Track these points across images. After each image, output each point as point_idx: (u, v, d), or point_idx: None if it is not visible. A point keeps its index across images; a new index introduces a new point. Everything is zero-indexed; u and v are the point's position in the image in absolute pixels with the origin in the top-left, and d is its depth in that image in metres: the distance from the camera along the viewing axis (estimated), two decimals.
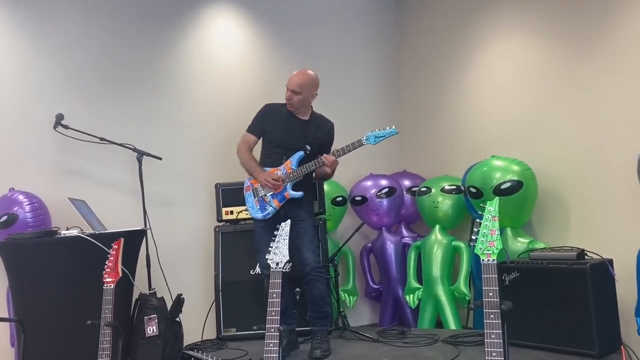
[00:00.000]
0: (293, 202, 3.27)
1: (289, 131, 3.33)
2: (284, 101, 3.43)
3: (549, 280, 2.93)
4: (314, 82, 3.34)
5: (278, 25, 4.54)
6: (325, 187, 4.05)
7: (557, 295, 2.88)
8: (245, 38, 4.46)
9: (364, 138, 3.13)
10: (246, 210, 3.46)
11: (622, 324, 2.94)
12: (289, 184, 3.26)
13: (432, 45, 4.64)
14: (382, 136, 3.12)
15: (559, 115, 3.59)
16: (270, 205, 3.28)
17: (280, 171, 3.27)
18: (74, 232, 3.09)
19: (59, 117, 3.58)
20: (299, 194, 3.24)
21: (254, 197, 3.35)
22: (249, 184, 3.39)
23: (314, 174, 3.38)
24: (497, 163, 3.54)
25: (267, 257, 2.54)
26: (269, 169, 3.31)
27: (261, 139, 3.43)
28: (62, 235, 3.08)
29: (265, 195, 3.29)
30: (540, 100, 3.72)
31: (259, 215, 3.31)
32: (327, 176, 3.40)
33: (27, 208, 3.35)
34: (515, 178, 3.43)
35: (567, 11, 3.52)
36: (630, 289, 2.90)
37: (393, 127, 3.14)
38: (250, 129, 3.42)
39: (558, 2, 3.58)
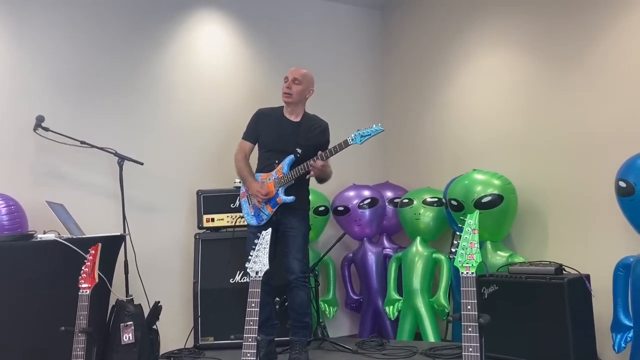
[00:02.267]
0: (286, 208, 3.24)
1: (280, 134, 3.31)
2: (270, 106, 3.43)
3: (528, 295, 2.95)
4: (312, 79, 3.38)
5: (264, 33, 4.55)
6: None
7: (535, 309, 2.91)
8: (231, 45, 4.45)
9: (350, 138, 3.09)
10: (241, 217, 3.46)
11: (598, 339, 2.97)
12: (280, 189, 3.23)
13: (416, 58, 4.69)
14: (368, 134, 3.08)
15: (540, 131, 3.64)
16: (264, 212, 3.26)
17: (272, 177, 3.26)
18: (51, 236, 3.03)
19: (39, 119, 3.52)
20: (291, 198, 3.21)
21: (249, 204, 3.32)
22: (244, 190, 3.36)
23: (312, 178, 3.34)
24: (479, 177, 3.57)
25: (247, 265, 2.52)
26: (261, 175, 3.30)
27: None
28: (39, 239, 3.02)
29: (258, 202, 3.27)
30: (521, 116, 3.77)
31: (254, 222, 3.28)
32: (321, 180, 3.34)
33: (4, 211, 3.28)
34: (496, 192, 3.46)
35: (549, 28, 3.58)
36: (606, 304, 2.93)
37: (379, 124, 3.09)
38: (245, 136, 3.41)
39: (541, 19, 3.64)
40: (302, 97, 3.34)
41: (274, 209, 3.24)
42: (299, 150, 3.23)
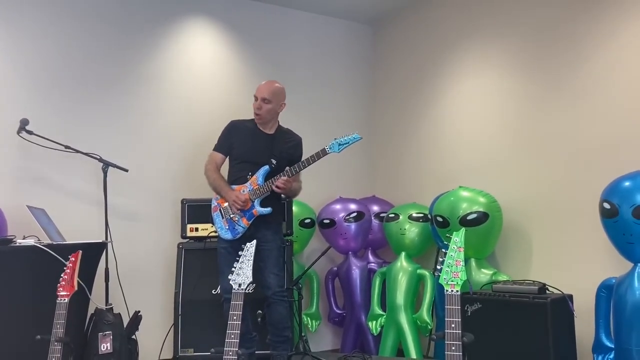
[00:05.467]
0: (260, 221, 3.20)
1: (255, 145, 3.27)
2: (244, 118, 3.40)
3: (510, 313, 2.95)
4: (282, 93, 3.33)
5: (255, 45, 4.55)
6: (294, 208, 4.02)
7: (518, 328, 2.90)
8: (221, 56, 4.44)
9: (328, 147, 3.05)
10: (214, 231, 3.36)
11: None
12: (256, 201, 3.18)
13: (406, 75, 4.71)
14: (346, 143, 3.04)
15: (526, 149, 3.67)
16: (240, 225, 3.20)
17: (246, 188, 3.21)
18: (30, 242, 2.98)
19: (24, 122, 3.47)
20: (267, 209, 3.17)
21: (222, 218, 3.26)
22: (216, 204, 3.30)
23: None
24: (464, 194, 3.58)
25: (229, 277, 2.49)
26: (235, 187, 3.24)
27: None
28: (18, 244, 2.96)
29: (233, 215, 3.22)
30: (508, 135, 3.80)
31: (229, 236, 3.21)
32: (287, 196, 3.33)
33: None
34: (481, 209, 3.47)
35: (535, 48, 3.63)
36: (588, 325, 2.94)
37: (356, 133, 3.06)
38: (217, 148, 3.35)
39: (526, 40, 3.68)
40: (274, 114, 3.31)
41: (250, 222, 3.18)
42: (274, 161, 3.19)
